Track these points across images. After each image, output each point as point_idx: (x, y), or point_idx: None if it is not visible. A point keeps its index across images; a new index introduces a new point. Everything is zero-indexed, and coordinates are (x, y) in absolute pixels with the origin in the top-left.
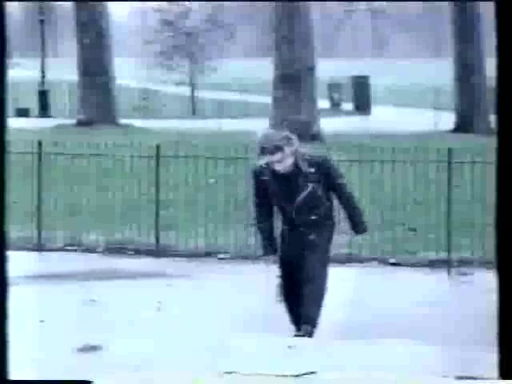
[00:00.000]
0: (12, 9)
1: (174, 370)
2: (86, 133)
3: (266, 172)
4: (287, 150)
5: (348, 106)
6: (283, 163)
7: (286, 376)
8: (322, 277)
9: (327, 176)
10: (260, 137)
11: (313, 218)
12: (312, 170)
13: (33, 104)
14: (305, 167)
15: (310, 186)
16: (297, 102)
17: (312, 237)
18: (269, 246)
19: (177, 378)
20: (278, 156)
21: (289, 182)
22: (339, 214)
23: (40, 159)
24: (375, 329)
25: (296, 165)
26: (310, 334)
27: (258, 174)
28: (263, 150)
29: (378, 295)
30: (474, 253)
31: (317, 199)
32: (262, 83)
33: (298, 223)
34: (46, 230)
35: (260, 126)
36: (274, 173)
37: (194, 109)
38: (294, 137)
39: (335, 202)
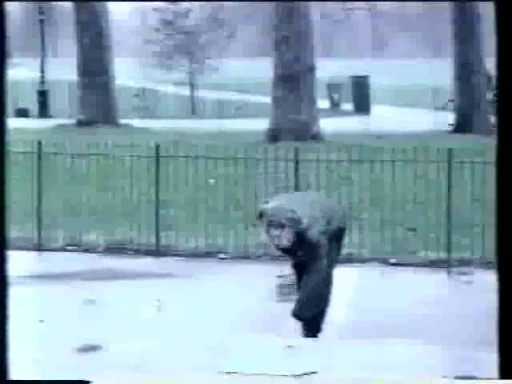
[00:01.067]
0: (12, 9)
1: (174, 370)
2: (85, 133)
3: None
4: (289, 230)
5: (348, 106)
6: (282, 240)
7: (286, 376)
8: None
9: (313, 254)
10: (269, 208)
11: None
12: (303, 249)
13: (32, 104)
14: (300, 245)
15: (303, 258)
16: (297, 102)
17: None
18: None
19: (177, 378)
20: (277, 232)
21: (284, 250)
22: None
23: (40, 159)
24: (375, 329)
25: (292, 242)
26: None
27: (265, 215)
28: (268, 221)
29: (378, 295)
30: (474, 253)
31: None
32: (262, 83)
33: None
34: (46, 229)
35: (260, 126)
36: None
37: (193, 109)
38: (300, 218)
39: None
